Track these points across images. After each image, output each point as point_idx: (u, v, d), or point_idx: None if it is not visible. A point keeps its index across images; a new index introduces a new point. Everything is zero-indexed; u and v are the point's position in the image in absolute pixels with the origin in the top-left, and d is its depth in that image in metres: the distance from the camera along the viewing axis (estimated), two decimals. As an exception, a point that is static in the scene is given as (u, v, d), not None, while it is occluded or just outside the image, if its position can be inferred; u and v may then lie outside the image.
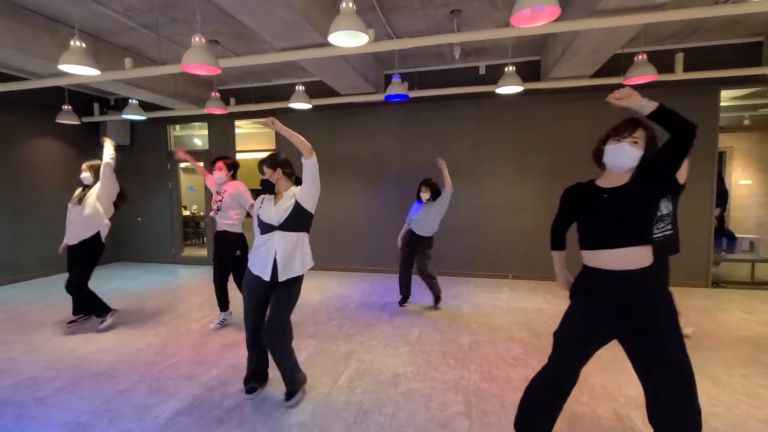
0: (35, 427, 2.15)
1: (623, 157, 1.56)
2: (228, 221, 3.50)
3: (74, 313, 3.77)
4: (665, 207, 3.29)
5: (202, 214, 8.16)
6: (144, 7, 3.80)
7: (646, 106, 1.52)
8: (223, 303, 3.74)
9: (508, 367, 2.80)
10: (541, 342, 3.27)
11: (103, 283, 5.51)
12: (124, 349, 3.20)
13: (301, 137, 2.18)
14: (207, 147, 6.79)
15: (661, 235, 3.26)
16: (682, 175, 3.18)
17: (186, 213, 8.53)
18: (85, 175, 3.59)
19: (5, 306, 4.46)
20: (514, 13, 2.45)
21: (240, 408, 2.32)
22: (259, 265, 2.29)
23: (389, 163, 5.91)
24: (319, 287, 5.18)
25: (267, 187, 2.33)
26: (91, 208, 3.49)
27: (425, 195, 4.07)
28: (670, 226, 3.31)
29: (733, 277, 5.50)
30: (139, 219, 7.08)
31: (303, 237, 2.32)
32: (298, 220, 2.26)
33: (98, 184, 3.54)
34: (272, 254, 2.24)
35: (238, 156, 6.69)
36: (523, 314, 4.01)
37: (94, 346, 3.27)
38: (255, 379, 2.49)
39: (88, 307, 3.66)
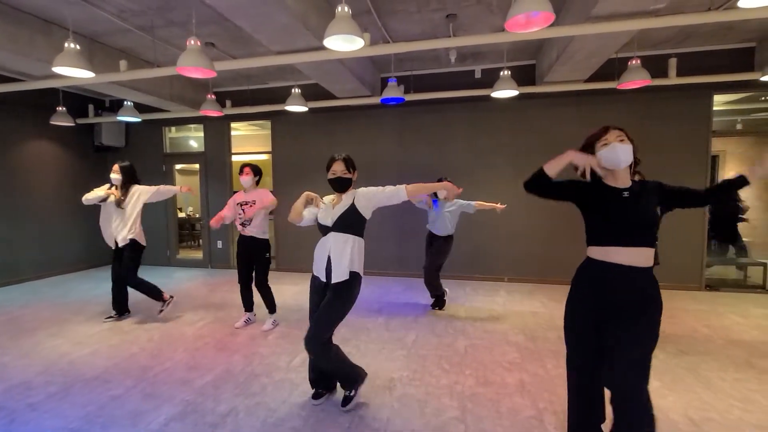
0: (27, 434, 2.13)
1: (621, 154, 1.63)
2: (257, 228, 3.64)
3: (113, 308, 4.07)
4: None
5: (197, 216, 8.12)
6: (139, 9, 3.78)
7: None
8: (248, 304, 3.85)
9: (504, 372, 2.81)
10: (537, 346, 3.27)
11: (98, 285, 5.47)
12: (117, 353, 3.18)
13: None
14: (203, 149, 6.78)
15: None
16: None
17: (181, 215, 8.49)
18: (116, 177, 3.83)
19: (-3, 309, 4.42)
20: (508, 18, 2.46)
21: (234, 413, 2.30)
22: (318, 267, 2.35)
23: (385, 167, 5.90)
24: (315, 290, 5.15)
25: (343, 185, 2.40)
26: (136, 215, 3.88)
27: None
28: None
29: (726, 280, 5.55)
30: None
31: (356, 241, 2.32)
32: (349, 222, 2.29)
33: (145, 193, 3.87)
34: (326, 255, 2.28)
35: (234, 158, 6.69)
36: (519, 318, 4.01)
37: (87, 350, 3.24)
38: (323, 384, 2.48)
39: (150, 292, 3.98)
